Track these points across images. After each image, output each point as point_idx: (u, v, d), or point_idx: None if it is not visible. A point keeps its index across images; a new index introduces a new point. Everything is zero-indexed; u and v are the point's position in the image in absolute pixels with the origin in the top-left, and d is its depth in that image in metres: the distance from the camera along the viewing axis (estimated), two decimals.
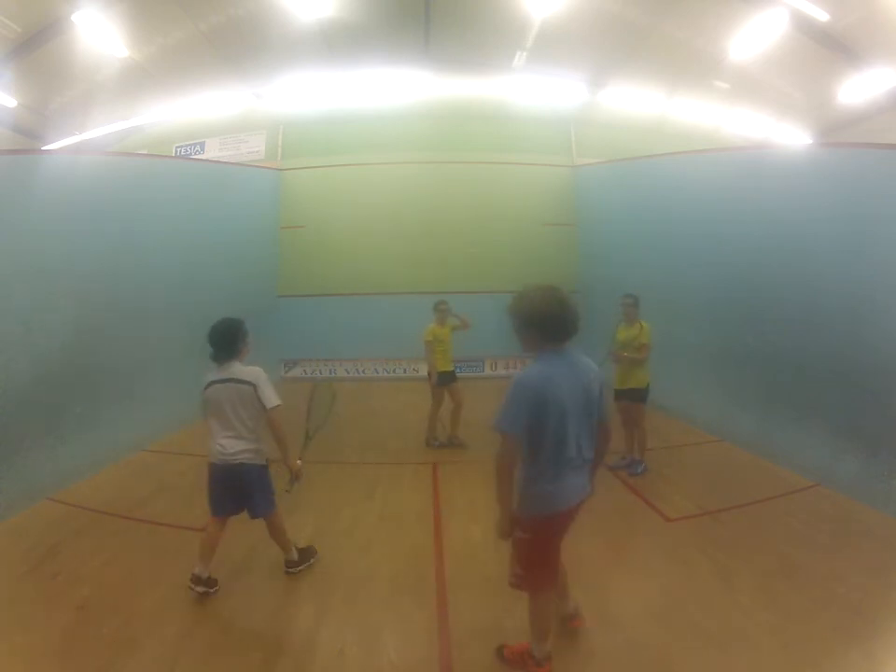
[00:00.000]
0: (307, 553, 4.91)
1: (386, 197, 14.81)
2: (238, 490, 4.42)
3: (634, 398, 7.27)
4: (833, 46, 13.18)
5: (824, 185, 7.02)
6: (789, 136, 17.42)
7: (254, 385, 4.36)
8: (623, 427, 7.48)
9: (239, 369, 4.43)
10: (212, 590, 4.39)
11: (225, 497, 4.46)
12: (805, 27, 12.65)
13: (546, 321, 3.27)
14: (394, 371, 14.78)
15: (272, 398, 4.39)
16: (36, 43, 12.48)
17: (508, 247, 14.60)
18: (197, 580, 4.31)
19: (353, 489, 6.84)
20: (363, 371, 14.89)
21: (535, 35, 13.44)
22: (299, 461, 4.70)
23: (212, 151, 16.06)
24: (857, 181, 6.57)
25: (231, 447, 4.34)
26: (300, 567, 4.77)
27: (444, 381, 8.63)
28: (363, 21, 12.91)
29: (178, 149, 16.31)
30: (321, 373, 14.76)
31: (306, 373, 14.90)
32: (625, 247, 12.08)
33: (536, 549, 3.41)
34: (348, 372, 14.86)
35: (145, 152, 14.67)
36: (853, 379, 6.28)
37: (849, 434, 6.33)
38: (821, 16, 12.15)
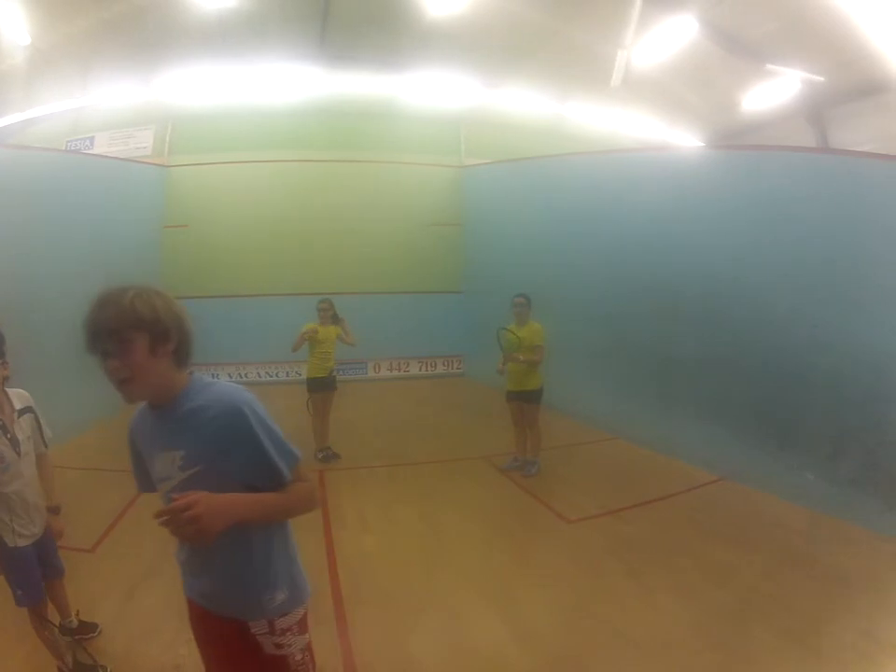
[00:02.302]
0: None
1: (273, 196, 14.45)
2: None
3: (529, 399, 7.24)
4: (739, 53, 13.80)
5: (720, 185, 7.29)
6: (688, 141, 18.11)
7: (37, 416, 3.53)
8: (514, 427, 7.49)
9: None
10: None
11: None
12: (712, 34, 13.16)
13: (190, 333, 2.10)
14: (276, 374, 14.34)
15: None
16: None
17: (395, 248, 14.55)
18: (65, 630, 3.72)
19: None
20: (245, 376, 14.32)
21: (429, 33, 13.41)
22: None
23: (101, 146, 15.13)
24: (754, 182, 6.89)
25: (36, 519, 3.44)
26: None
27: (313, 388, 8.01)
28: (260, 13, 12.64)
29: (69, 143, 15.25)
30: None
31: None
32: (513, 247, 12.22)
33: (309, 649, 2.34)
34: (230, 377, 14.19)
35: (36, 146, 13.71)
36: (758, 375, 6.53)
37: (753, 427, 6.56)
38: (729, 25, 12.69)
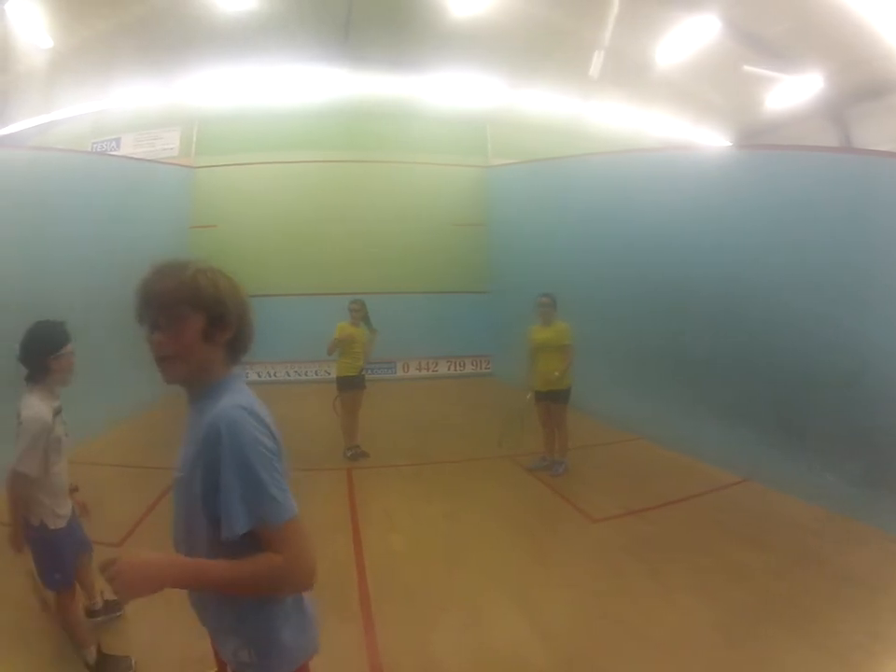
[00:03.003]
0: (113, 665, 3.56)
1: (299, 196, 14.53)
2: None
3: (556, 399, 7.26)
4: (761, 52, 13.69)
5: (740, 185, 7.24)
6: (710, 140, 17.95)
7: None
8: (542, 427, 7.50)
9: (26, 401, 3.32)
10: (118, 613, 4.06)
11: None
12: (733, 34, 13.07)
13: (252, 326, 2.00)
14: (305, 373, 14.47)
15: (15, 453, 3.24)
16: None
17: (421, 248, 14.55)
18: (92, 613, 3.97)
19: None
20: (274, 375, 14.51)
21: (454, 34, 13.43)
22: None
23: (127, 147, 15.37)
24: (773, 183, 6.84)
25: None
26: None
27: (343, 386, 8.12)
28: (283, 15, 12.74)
29: (95, 145, 15.50)
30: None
31: None
32: (538, 247, 12.16)
33: None
34: (259, 376, 14.40)
35: (61, 147, 13.91)
36: (775, 376, 6.46)
37: (774, 429, 6.49)
38: (750, 24, 12.60)
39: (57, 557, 3.44)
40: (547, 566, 4.96)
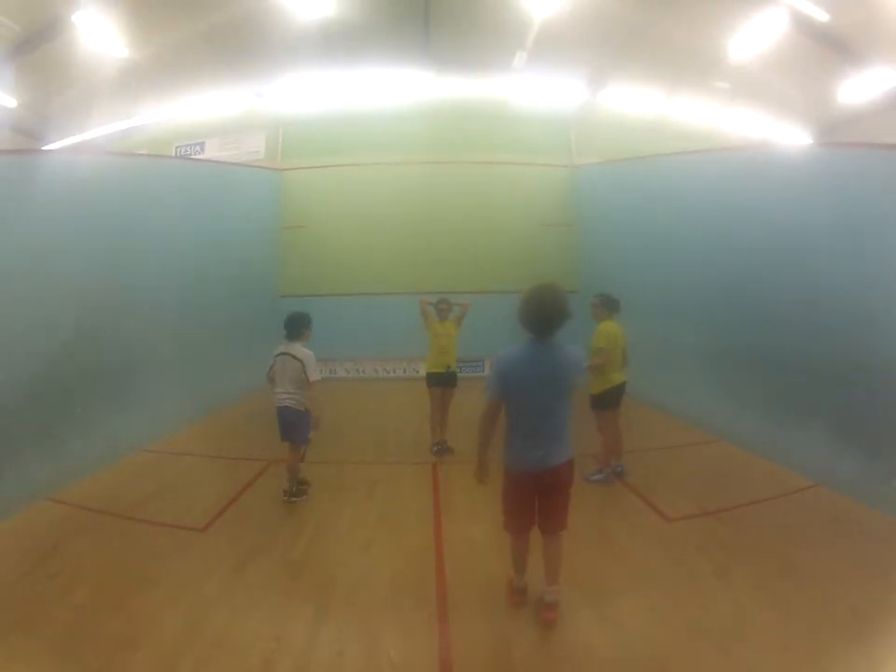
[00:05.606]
0: (305, 483, 6.61)
1: (386, 197, 14.79)
2: (285, 424, 6.37)
3: (590, 403, 6.91)
4: (832, 46, 13.22)
5: (824, 184, 7.00)
6: (788, 136, 17.42)
7: (302, 363, 6.20)
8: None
9: (297, 348, 6.29)
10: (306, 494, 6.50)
11: (281, 429, 6.43)
12: (804, 27, 12.68)
13: (521, 316, 3.99)
14: (393, 371, 14.77)
15: (313, 375, 6.25)
16: (36, 43, 12.55)
17: (507, 248, 14.52)
18: (288, 493, 6.39)
19: (353, 489, 6.81)
20: (363, 371, 14.89)
21: (534, 35, 13.44)
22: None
23: (212, 151, 16.04)
24: (857, 181, 6.56)
25: (282, 397, 6.33)
26: (295, 499, 6.37)
27: (429, 382, 8.29)
28: (363, 21, 12.96)
29: (178, 149, 16.29)
30: (321, 373, 14.72)
31: None
32: (625, 247, 12.03)
33: (504, 495, 4.17)
34: (348, 373, 14.84)
35: (145, 152, 14.62)
36: (853, 379, 6.26)
37: (850, 434, 6.30)
38: (821, 16, 12.20)
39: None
40: (621, 561, 4.96)
